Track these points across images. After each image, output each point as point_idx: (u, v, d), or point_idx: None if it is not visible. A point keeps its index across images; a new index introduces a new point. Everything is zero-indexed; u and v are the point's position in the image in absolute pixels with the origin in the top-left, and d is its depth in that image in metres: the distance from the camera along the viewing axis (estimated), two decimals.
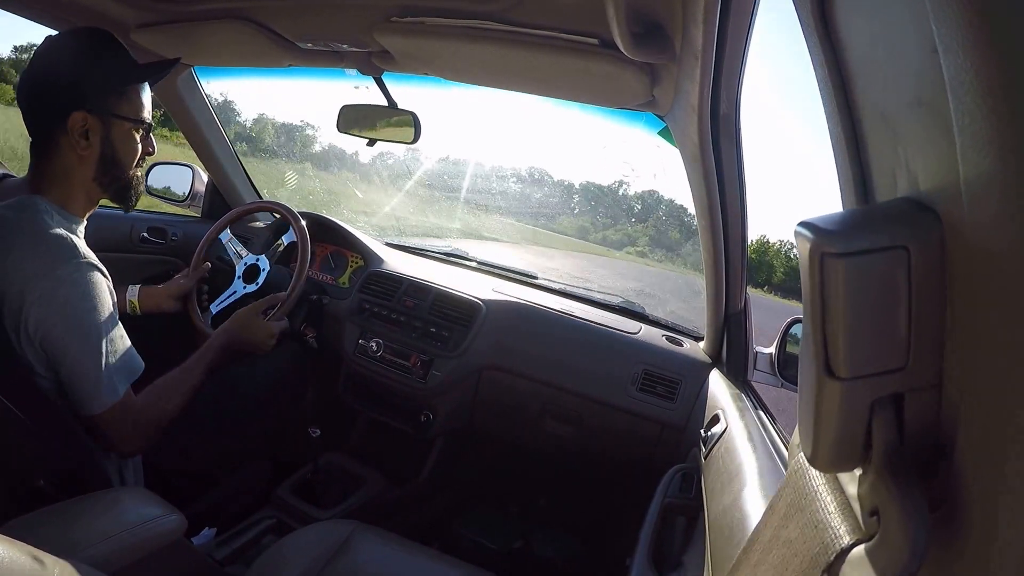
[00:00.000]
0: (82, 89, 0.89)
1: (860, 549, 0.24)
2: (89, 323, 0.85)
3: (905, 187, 0.28)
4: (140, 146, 0.98)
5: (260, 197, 1.86)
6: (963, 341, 0.24)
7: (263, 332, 1.21)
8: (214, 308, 1.43)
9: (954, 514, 0.25)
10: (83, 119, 0.89)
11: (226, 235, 1.49)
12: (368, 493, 1.44)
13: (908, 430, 0.26)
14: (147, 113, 0.98)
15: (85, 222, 0.96)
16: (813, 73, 0.38)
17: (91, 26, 0.97)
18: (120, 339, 0.91)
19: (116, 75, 0.93)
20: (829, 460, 0.26)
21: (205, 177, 1.81)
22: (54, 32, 1.02)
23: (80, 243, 0.89)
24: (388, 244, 1.82)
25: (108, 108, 0.92)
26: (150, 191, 1.76)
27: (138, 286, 1.30)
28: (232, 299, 1.44)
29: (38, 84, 0.90)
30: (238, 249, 1.49)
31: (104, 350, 0.87)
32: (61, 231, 0.87)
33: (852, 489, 0.27)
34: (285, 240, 1.48)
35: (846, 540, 0.25)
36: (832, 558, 0.25)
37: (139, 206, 1.11)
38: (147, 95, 0.99)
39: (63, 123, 0.89)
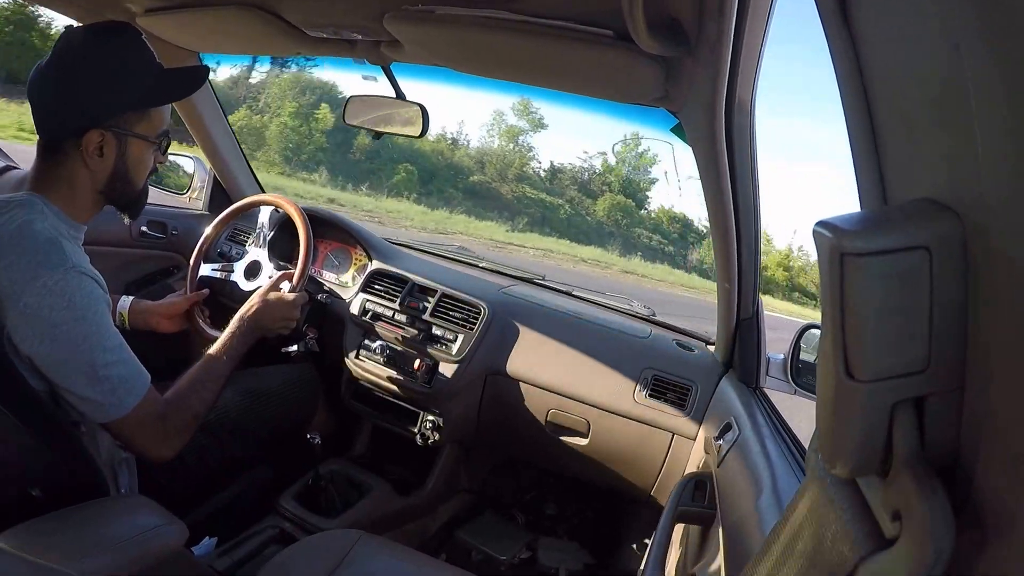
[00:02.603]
0: (103, 107, 0.84)
1: (881, 555, 0.24)
2: (77, 336, 0.78)
3: (925, 187, 0.28)
4: (152, 160, 0.94)
5: (263, 191, 1.82)
6: (986, 344, 0.24)
7: (283, 309, 1.14)
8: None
9: (975, 519, 0.24)
10: (100, 137, 0.84)
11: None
12: (373, 502, 1.42)
13: (929, 434, 0.25)
14: (166, 126, 0.93)
15: (85, 227, 0.90)
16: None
17: (116, 21, 0.91)
18: (118, 349, 0.83)
19: (141, 95, 0.87)
20: (849, 465, 0.25)
21: (208, 168, 1.76)
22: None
23: (72, 249, 0.82)
24: (393, 243, 1.80)
25: (127, 127, 0.87)
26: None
27: (131, 298, 1.22)
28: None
29: (56, 87, 0.83)
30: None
31: (96, 364, 0.80)
32: (52, 236, 0.80)
33: (871, 494, 0.26)
34: (278, 223, 1.42)
35: (866, 546, 0.24)
36: (852, 566, 0.25)
37: None
38: (168, 108, 0.94)
39: (77, 137, 0.83)
